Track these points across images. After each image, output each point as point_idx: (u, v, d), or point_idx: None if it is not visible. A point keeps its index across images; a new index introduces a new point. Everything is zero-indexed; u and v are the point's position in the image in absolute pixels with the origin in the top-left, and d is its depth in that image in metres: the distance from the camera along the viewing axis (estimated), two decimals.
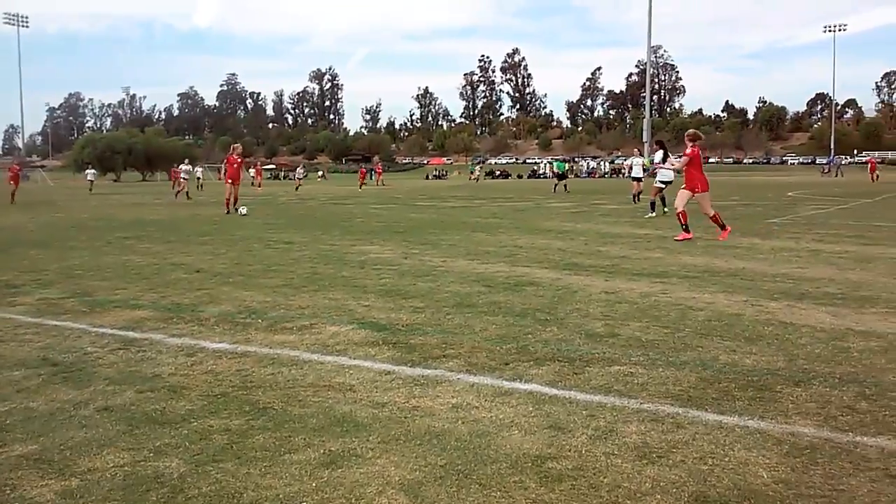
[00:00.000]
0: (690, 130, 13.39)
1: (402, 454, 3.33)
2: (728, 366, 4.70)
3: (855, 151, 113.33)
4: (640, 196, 22.37)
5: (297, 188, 35.59)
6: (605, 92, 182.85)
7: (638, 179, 23.29)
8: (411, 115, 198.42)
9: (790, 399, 4.06)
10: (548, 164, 76.98)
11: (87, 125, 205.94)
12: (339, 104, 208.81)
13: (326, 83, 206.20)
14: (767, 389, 4.22)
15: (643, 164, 23.14)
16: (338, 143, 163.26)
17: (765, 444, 3.42)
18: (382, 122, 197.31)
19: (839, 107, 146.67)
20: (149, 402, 4.10)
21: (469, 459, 3.26)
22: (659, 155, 18.71)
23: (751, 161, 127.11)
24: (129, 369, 4.77)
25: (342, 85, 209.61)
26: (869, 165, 47.60)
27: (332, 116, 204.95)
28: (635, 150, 25.66)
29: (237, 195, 20.57)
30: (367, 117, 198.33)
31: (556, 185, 36.01)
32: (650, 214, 18.07)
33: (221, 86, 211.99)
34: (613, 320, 6.04)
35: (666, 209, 18.11)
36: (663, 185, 18.43)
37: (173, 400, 4.14)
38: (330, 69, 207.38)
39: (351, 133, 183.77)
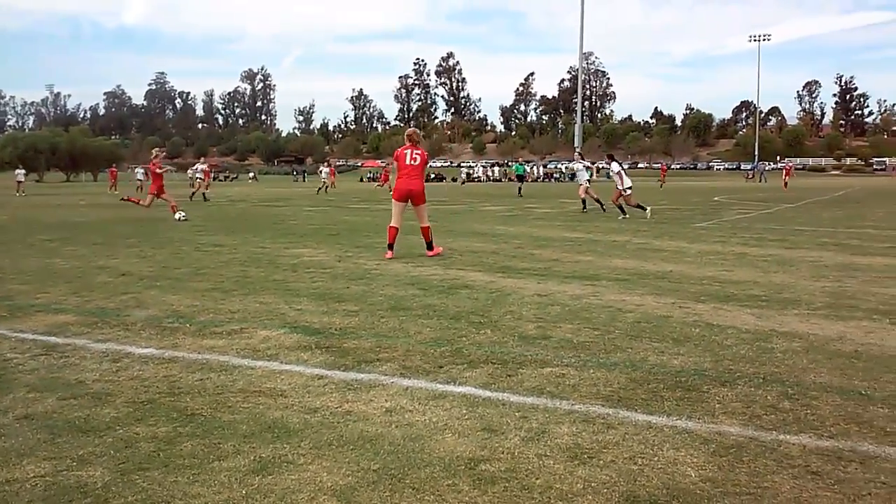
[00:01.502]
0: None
1: (335, 459, 3.29)
2: (657, 367, 4.79)
3: (778, 158, 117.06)
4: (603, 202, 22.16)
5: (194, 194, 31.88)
6: (538, 97, 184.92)
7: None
8: (345, 117, 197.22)
9: (717, 399, 4.15)
10: (482, 168, 77.48)
11: (8, 124, 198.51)
12: (271, 105, 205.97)
13: (258, 83, 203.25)
14: (695, 390, 4.31)
15: (590, 168, 23.41)
16: (270, 144, 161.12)
17: (692, 444, 3.49)
18: (316, 124, 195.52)
19: (763, 114, 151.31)
20: (72, 410, 3.96)
21: (402, 463, 3.25)
22: (616, 167, 19.30)
23: (679, 166, 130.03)
24: (51, 376, 4.60)
25: (275, 85, 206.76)
26: (784, 171, 48.84)
27: (263, 117, 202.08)
28: (576, 153, 24.96)
29: (170, 200, 19.39)
30: (301, 118, 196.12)
31: (520, 189, 36.55)
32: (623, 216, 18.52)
33: (150, 85, 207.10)
34: (546, 322, 6.10)
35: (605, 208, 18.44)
36: (630, 191, 18.91)
37: (97, 407, 4.01)
38: (262, 69, 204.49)
39: (283, 134, 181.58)
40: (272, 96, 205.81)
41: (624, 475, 3.14)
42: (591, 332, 5.77)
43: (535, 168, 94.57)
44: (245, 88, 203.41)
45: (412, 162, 10.55)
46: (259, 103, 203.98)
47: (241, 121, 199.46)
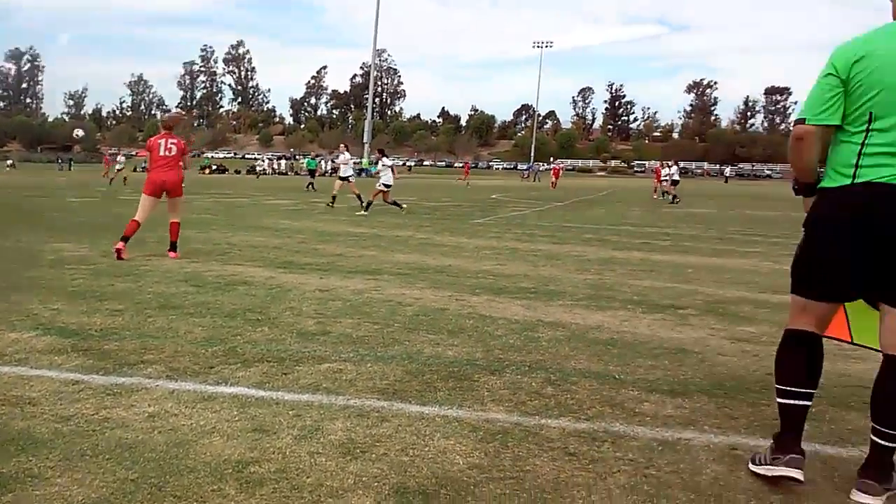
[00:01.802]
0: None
1: (88, 470, 3.05)
2: (432, 358, 4.90)
3: (552, 159, 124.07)
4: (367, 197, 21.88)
5: None
6: (329, 91, 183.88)
7: (345, 179, 22.52)
8: (121, 103, 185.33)
9: (486, 387, 4.31)
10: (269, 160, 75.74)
11: None
12: (38, 87, 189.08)
13: (25, 64, 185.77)
14: (466, 379, 4.45)
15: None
16: (34, 129, 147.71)
17: (462, 432, 3.59)
18: (88, 109, 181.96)
19: (541, 117, 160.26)
20: None
21: (164, 471, 3.07)
22: (387, 161, 19.38)
23: (461, 165, 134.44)
24: None
25: (44, 67, 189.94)
26: (553, 172, 50.85)
27: (29, 100, 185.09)
28: (341, 145, 23.12)
29: None
30: (71, 103, 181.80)
31: (309, 184, 35.68)
32: (362, 213, 18.51)
33: None
34: (326, 318, 6.05)
35: (404, 207, 18.62)
36: (387, 189, 19.01)
37: None
38: (31, 49, 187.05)
39: (51, 119, 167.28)
40: (40, 78, 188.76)
41: (395, 467, 3.17)
42: (370, 326, 5.80)
43: (323, 162, 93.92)
44: (9, 68, 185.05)
45: (167, 153, 9.48)
46: (24, 85, 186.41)
47: (1, 103, 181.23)
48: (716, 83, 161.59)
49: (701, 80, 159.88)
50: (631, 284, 8.25)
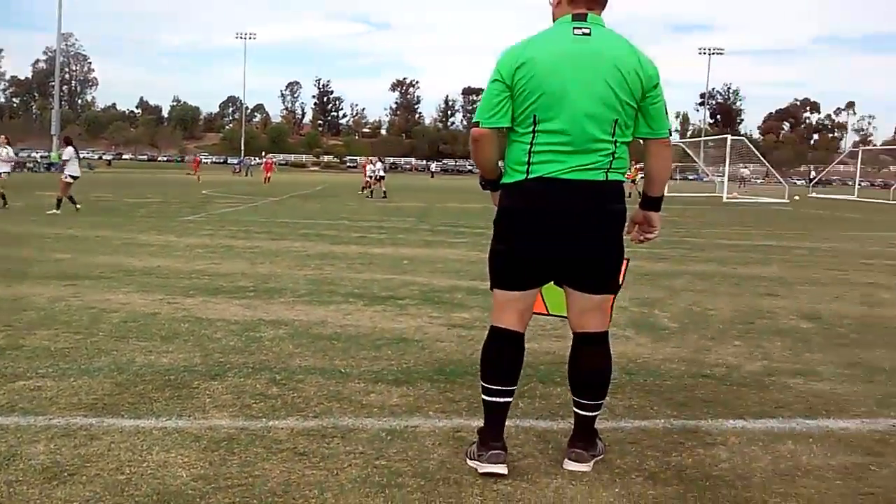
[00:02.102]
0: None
1: None
2: (145, 367, 4.58)
3: (263, 153, 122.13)
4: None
5: None
6: (7, 77, 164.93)
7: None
8: None
9: (207, 393, 4.11)
10: None
11: None
12: None
13: None
14: (185, 387, 4.21)
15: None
16: None
17: (184, 443, 3.39)
18: None
19: (249, 111, 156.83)
20: None
21: None
22: (70, 151, 17.69)
23: (165, 159, 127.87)
24: None
25: None
26: (264, 166, 49.31)
27: None
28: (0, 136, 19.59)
29: None
30: None
31: None
32: (55, 211, 16.87)
33: None
34: (16, 330, 5.42)
35: (78, 206, 17.12)
36: (73, 180, 17.41)
37: None
38: None
39: None
40: None
41: (111, 488, 2.91)
42: (71, 336, 5.29)
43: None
44: None
45: None
46: None
47: None
48: (418, 82, 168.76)
49: (404, 78, 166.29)
50: (351, 278, 8.34)
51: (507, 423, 3.25)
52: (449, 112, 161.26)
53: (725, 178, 39.66)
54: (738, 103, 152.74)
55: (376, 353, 5.04)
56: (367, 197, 29.29)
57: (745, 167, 53.62)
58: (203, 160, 71.15)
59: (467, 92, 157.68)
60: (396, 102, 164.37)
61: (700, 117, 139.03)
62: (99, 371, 4.47)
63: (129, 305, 6.45)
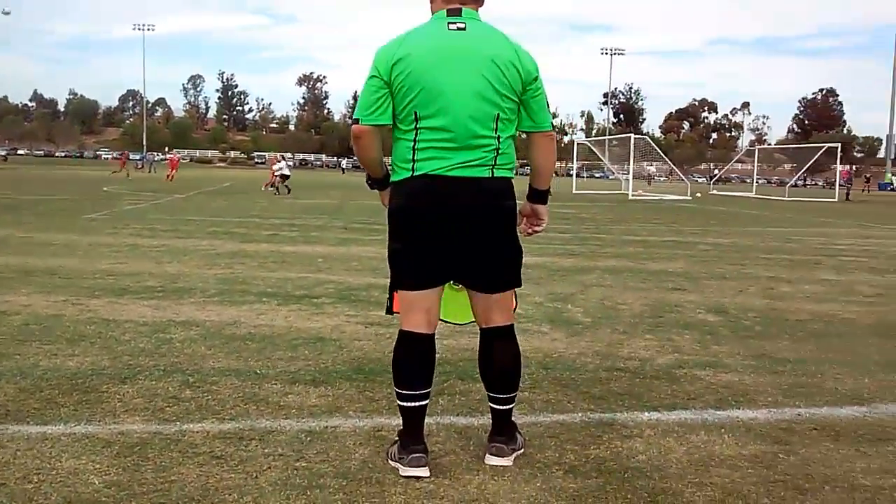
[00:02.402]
0: None
1: None
2: (50, 371, 4.39)
3: (166, 149, 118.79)
4: None
5: None
6: None
7: None
8: None
9: (117, 397, 3.98)
10: None
11: None
12: None
13: None
14: (94, 391, 4.06)
15: None
16: None
17: (94, 449, 3.27)
18: None
19: (150, 104, 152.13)
20: None
21: None
22: None
23: (63, 154, 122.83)
24: None
25: None
26: (169, 162, 47.07)
27: None
28: None
29: None
30: None
31: None
32: None
33: None
34: None
35: None
36: None
37: None
38: None
39: None
40: None
41: (17, 497, 2.78)
42: None
43: None
44: None
45: None
46: None
47: None
48: (325, 77, 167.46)
49: (311, 73, 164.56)
50: (264, 277, 8.20)
51: (427, 420, 3.25)
52: None
53: (630, 176, 40.72)
54: (639, 103, 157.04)
55: (293, 354, 4.97)
56: (274, 194, 28.85)
57: (651, 165, 55.14)
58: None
59: None
60: (304, 97, 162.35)
61: (604, 116, 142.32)
62: (1, 376, 4.27)
63: (30, 307, 6.17)
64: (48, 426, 3.53)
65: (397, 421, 3.46)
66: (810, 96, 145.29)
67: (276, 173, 30.07)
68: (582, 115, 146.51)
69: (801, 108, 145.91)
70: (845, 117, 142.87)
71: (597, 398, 4.18)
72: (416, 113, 2.99)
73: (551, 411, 3.96)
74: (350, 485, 2.99)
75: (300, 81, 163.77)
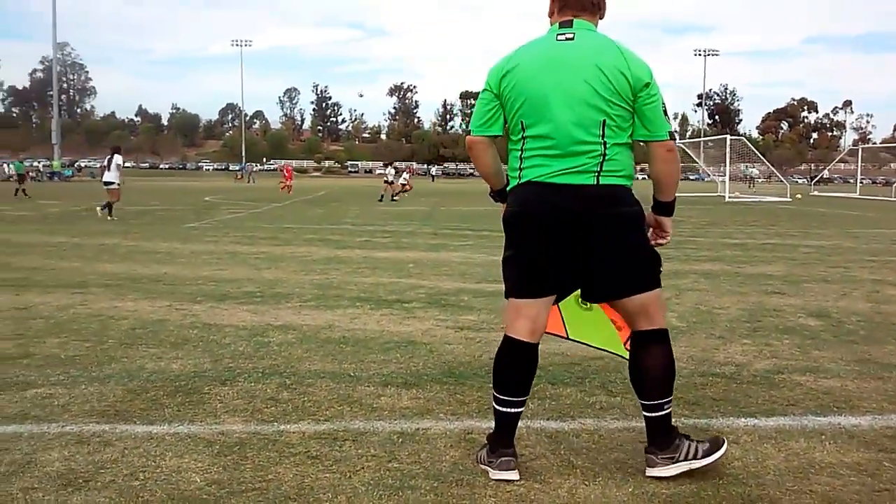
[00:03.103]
0: None
1: None
2: (155, 374, 4.59)
3: (264, 159, 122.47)
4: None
5: None
6: (6, 87, 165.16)
7: None
8: None
9: (218, 399, 4.13)
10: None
11: None
12: None
13: None
14: (196, 392, 4.23)
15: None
16: None
17: (196, 448, 3.40)
18: None
19: (248, 117, 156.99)
20: None
21: None
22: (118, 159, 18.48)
23: (167, 166, 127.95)
24: None
25: None
26: (284, 173, 46.98)
27: None
28: None
29: None
30: None
31: (20, 189, 31.76)
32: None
33: None
34: (27, 339, 5.44)
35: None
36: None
37: None
38: None
39: None
40: None
41: (125, 494, 2.92)
42: (81, 344, 5.31)
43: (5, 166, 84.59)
44: None
45: None
46: None
47: None
48: (415, 87, 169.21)
49: (402, 83, 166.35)
50: (357, 282, 8.35)
51: (518, 424, 3.24)
52: (448, 116, 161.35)
53: (727, 178, 39.61)
54: (735, 103, 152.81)
55: (385, 357, 5.05)
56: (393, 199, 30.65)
57: (753, 167, 53.32)
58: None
59: (465, 96, 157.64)
60: (395, 107, 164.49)
61: (698, 118, 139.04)
62: (110, 378, 4.49)
63: (136, 312, 6.47)
64: (153, 426, 3.69)
65: (488, 423, 3.47)
66: None
67: (401, 182, 32.18)
68: (676, 117, 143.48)
69: None
70: None
71: (691, 404, 4.09)
72: (522, 122, 3.05)
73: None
74: (441, 486, 3.02)
75: (391, 91, 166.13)
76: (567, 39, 3.02)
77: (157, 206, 25.29)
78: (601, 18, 3.15)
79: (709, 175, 55.77)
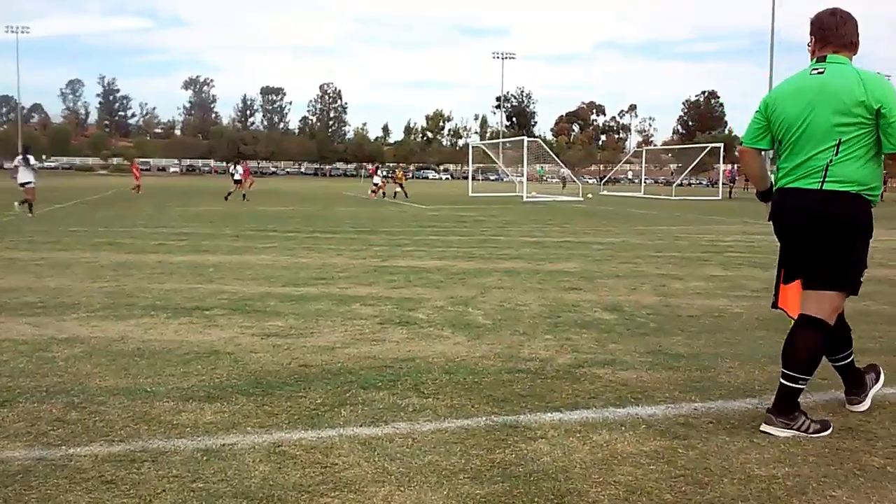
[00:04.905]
0: None
1: None
2: None
3: (44, 156, 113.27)
4: None
5: None
6: None
7: None
8: None
9: None
10: None
11: None
12: None
13: None
14: None
15: None
16: None
17: None
18: None
19: (25, 110, 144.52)
20: None
21: None
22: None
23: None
24: None
25: None
26: (135, 172, 41.47)
27: None
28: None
29: None
30: None
31: None
32: None
33: None
34: None
35: None
36: None
37: None
38: None
39: None
40: None
41: None
42: None
43: None
44: None
45: None
46: None
47: None
48: (212, 80, 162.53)
49: (197, 76, 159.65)
50: (151, 289, 7.86)
51: (329, 433, 3.18)
52: (248, 112, 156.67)
53: (524, 178, 41.38)
54: (531, 106, 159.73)
55: (185, 369, 4.77)
56: (391, 198, 33.43)
57: (563, 167, 55.80)
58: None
59: (266, 91, 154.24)
60: (190, 101, 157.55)
61: (497, 120, 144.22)
62: None
63: None
64: None
65: (299, 434, 3.35)
66: (693, 98, 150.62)
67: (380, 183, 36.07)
68: (476, 119, 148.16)
69: (685, 110, 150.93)
70: (726, 118, 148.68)
71: (500, 401, 4.17)
72: (780, 141, 3.84)
73: (455, 416, 3.93)
74: None
75: (186, 85, 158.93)
76: (818, 73, 3.71)
77: None
78: (854, 53, 3.78)
79: (507, 175, 58.00)
